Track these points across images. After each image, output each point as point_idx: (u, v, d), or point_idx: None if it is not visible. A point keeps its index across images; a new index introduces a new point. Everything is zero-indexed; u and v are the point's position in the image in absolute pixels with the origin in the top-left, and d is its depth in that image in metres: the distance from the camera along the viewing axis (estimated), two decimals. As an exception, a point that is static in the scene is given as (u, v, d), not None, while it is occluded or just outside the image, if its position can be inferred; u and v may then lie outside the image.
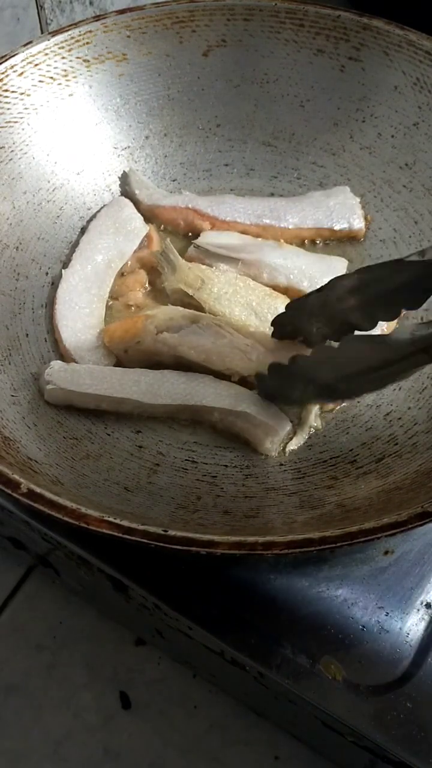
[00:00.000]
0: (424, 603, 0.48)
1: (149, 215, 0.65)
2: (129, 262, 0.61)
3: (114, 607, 0.55)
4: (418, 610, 0.48)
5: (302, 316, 0.52)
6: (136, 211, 0.64)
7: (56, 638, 0.56)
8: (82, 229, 0.64)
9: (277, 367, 0.51)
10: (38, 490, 0.40)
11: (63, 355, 0.56)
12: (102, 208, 0.65)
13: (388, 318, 0.47)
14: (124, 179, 0.66)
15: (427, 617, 0.48)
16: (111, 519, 0.39)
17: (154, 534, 0.39)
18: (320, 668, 0.45)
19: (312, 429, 0.53)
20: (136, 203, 0.65)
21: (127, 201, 0.65)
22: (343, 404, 0.55)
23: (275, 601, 0.48)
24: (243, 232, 0.62)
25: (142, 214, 0.64)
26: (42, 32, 0.75)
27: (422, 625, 0.48)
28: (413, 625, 0.48)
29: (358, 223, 0.63)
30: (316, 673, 0.45)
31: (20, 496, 0.40)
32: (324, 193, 0.64)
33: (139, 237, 0.62)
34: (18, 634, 0.57)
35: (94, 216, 0.64)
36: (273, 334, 0.55)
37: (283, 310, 0.54)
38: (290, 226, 0.62)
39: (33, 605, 0.58)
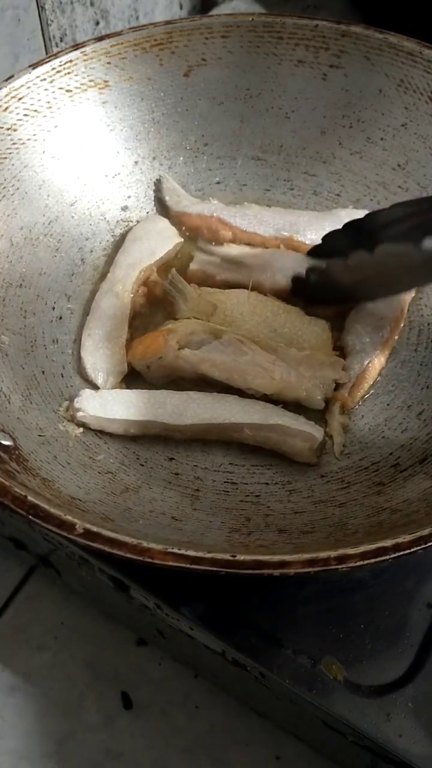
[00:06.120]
0: (425, 603, 0.48)
1: (176, 221, 0.65)
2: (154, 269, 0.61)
3: (115, 607, 0.54)
4: (420, 609, 0.48)
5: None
6: (170, 225, 0.64)
7: (57, 638, 0.56)
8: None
9: (314, 269, 0.57)
10: (95, 528, 0.38)
11: (80, 366, 0.56)
12: (138, 222, 0.65)
13: None
14: (158, 185, 0.66)
15: (428, 617, 0.48)
16: (176, 550, 0.38)
17: (222, 561, 0.37)
18: (321, 668, 0.45)
19: (342, 429, 0.53)
20: (166, 209, 0.65)
21: (162, 218, 0.65)
22: (369, 392, 0.56)
23: (276, 602, 0.48)
24: (261, 243, 0.62)
25: (170, 220, 0.64)
26: (43, 33, 0.74)
27: (423, 625, 0.47)
28: (414, 625, 0.47)
29: None
30: (317, 673, 0.45)
31: (77, 537, 0.38)
32: (349, 213, 0.63)
33: (173, 241, 0.62)
34: (19, 635, 0.56)
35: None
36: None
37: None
38: (307, 242, 0.62)
39: (34, 605, 0.57)
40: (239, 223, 0.63)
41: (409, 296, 0.60)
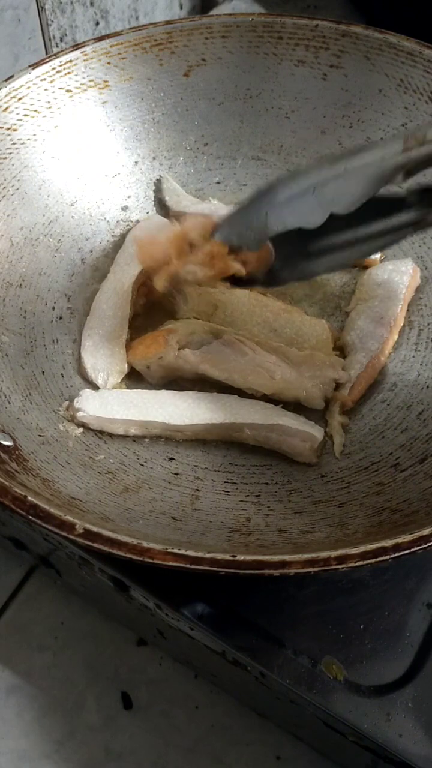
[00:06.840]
0: (425, 603, 0.48)
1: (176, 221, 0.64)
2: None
3: (115, 607, 0.54)
4: (420, 610, 0.48)
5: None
6: (171, 225, 0.64)
7: (57, 638, 0.56)
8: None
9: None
10: (95, 529, 0.38)
11: (80, 366, 0.56)
12: (138, 222, 0.65)
13: None
14: (158, 185, 0.66)
15: (428, 617, 0.48)
16: (176, 551, 0.38)
17: (222, 561, 0.37)
18: (322, 668, 0.45)
19: (342, 429, 0.53)
20: (166, 209, 0.66)
21: (162, 218, 0.65)
22: (369, 391, 0.54)
23: (276, 602, 0.48)
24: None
25: (170, 220, 0.64)
26: (43, 33, 0.74)
27: (423, 625, 0.47)
28: (414, 625, 0.47)
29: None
30: (317, 673, 0.45)
31: (77, 537, 0.38)
32: None
33: None
34: (19, 635, 0.56)
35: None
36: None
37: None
38: None
39: (34, 605, 0.57)
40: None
41: (409, 296, 0.60)
